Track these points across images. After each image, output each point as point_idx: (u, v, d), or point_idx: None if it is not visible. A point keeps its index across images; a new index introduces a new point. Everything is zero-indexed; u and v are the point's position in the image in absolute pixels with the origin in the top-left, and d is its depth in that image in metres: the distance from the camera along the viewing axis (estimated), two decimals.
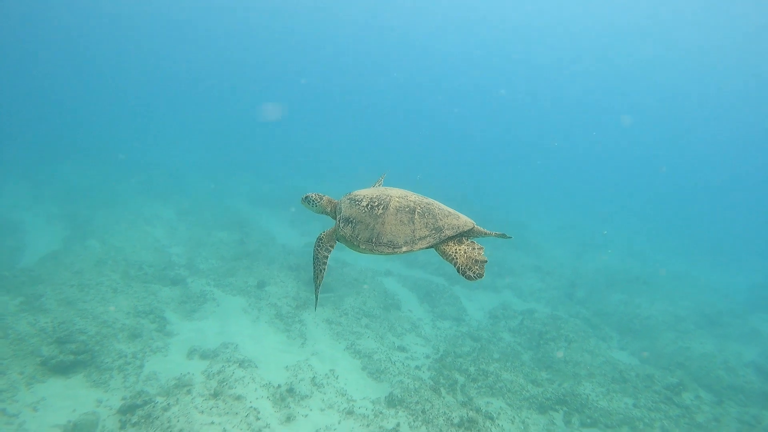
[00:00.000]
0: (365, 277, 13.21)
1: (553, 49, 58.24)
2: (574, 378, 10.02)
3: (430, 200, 3.20)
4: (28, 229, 13.46)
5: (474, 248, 2.94)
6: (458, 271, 2.85)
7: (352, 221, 3.14)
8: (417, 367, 9.61)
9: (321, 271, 3.27)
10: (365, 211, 3.09)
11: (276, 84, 73.13)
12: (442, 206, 3.17)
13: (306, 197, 3.67)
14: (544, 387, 9.53)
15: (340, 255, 14.36)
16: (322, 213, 3.70)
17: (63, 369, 7.67)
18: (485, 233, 3.15)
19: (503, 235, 3.15)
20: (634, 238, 25.73)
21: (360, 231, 3.07)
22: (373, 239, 3.01)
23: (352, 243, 3.13)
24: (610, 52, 54.63)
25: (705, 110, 59.57)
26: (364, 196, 3.20)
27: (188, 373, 8.02)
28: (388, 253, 3.01)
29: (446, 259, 2.98)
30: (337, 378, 8.63)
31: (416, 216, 3.00)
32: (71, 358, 7.80)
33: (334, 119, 67.02)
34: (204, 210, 17.63)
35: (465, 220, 3.07)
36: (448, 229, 2.98)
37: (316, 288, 3.33)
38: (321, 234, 3.38)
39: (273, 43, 65.72)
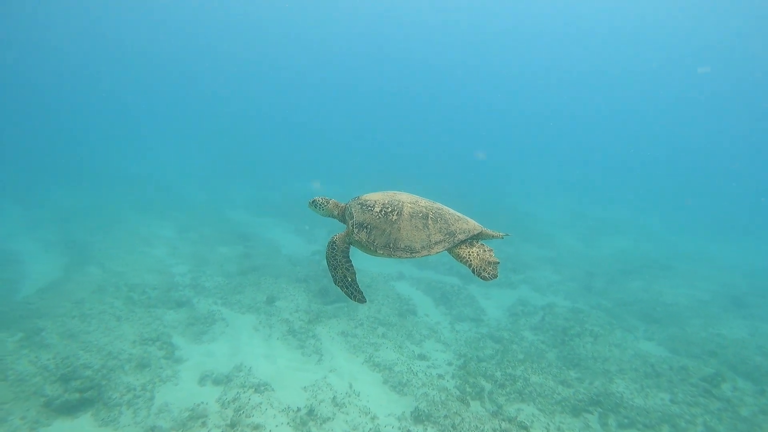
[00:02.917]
0: (378, 283, 12.76)
1: (557, 34, 57.61)
2: (605, 375, 9.57)
3: (440, 205, 3.30)
4: (25, 259, 12.99)
5: (485, 250, 3.10)
6: (473, 273, 3.00)
7: (366, 227, 3.15)
8: (440, 376, 9.15)
9: (347, 270, 3.25)
10: (380, 217, 3.13)
11: (272, 86, 72.47)
12: (451, 210, 3.28)
13: (313, 201, 3.63)
14: (575, 387, 9.08)
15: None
16: (329, 216, 3.68)
17: (69, 409, 7.21)
18: (492, 235, 3.27)
19: (507, 235, 3.35)
20: (645, 219, 25.29)
21: (376, 236, 3.10)
22: (391, 244, 3.06)
23: (369, 248, 3.15)
24: (615, 33, 53.84)
25: (716, 82, 58.52)
26: (376, 202, 3.22)
27: (202, 402, 7.57)
28: (405, 258, 3.06)
29: (460, 261, 3.10)
30: (358, 395, 8.18)
31: (429, 221, 3.09)
32: (77, 396, 7.34)
33: (333, 120, 66.38)
34: (204, 225, 17.17)
35: (474, 224, 3.20)
36: (460, 234, 3.10)
37: (347, 288, 3.25)
38: (333, 238, 3.35)
39: (268, 42, 64.97)
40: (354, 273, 3.25)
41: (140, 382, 7.99)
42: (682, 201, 33.58)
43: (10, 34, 49.94)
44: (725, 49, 48.05)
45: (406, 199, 3.24)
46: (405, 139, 52.49)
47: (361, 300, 3.22)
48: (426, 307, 12.32)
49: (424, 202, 3.23)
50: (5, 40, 50.52)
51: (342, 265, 3.25)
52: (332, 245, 3.31)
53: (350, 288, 3.23)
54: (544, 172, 40.44)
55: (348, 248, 3.31)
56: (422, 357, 9.83)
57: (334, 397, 7.96)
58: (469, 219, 3.26)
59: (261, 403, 7.52)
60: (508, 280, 14.50)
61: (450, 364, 9.71)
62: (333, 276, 3.27)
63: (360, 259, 13.39)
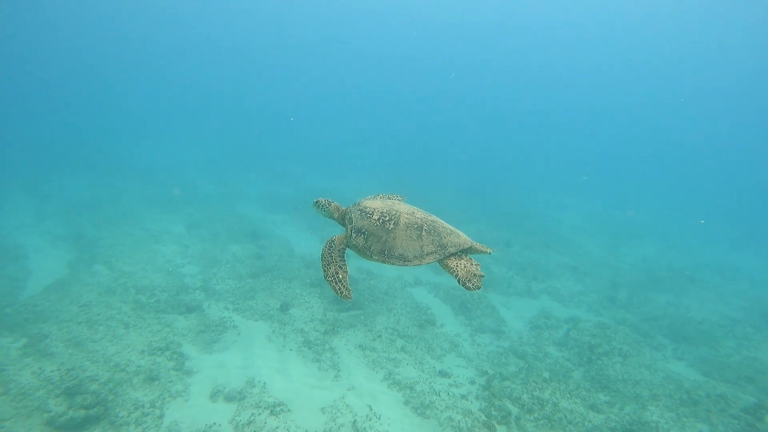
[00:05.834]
0: (395, 290, 12.25)
1: (575, 32, 56.19)
2: (636, 400, 9.03)
3: (434, 217, 3.46)
4: (31, 254, 12.52)
5: (472, 263, 3.25)
6: (459, 282, 3.13)
7: (364, 233, 3.31)
8: (463, 396, 8.66)
9: (340, 268, 3.33)
10: (377, 225, 3.28)
11: (287, 78, 71.55)
12: (445, 224, 3.43)
13: (317, 202, 3.77)
14: (606, 414, 8.56)
15: (364, 265, 13.39)
16: (330, 218, 3.79)
17: (73, 427, 6.76)
18: (481, 250, 3.40)
19: (496, 250, 3.53)
20: (669, 227, 24.51)
21: (372, 243, 3.26)
22: (386, 252, 3.23)
23: (365, 253, 3.33)
24: (646, 34, 52.23)
25: (737, 88, 56.85)
26: (375, 210, 3.37)
27: (214, 423, 7.12)
28: (398, 265, 3.23)
29: (448, 271, 3.25)
30: (379, 418, 7.69)
31: (424, 233, 3.25)
32: (82, 414, 6.89)
33: (351, 116, 65.18)
34: (215, 221, 16.64)
35: (465, 239, 3.37)
36: (451, 247, 3.26)
37: (337, 284, 3.25)
38: (333, 238, 3.51)
39: (281, 34, 64.03)
40: (346, 271, 3.34)
41: (149, 398, 7.54)
42: (707, 208, 32.40)
43: (29, 27, 49.56)
44: (756, 51, 46.59)
45: (403, 209, 3.39)
46: (430, 139, 51.29)
47: (348, 297, 3.21)
48: (445, 317, 11.80)
49: (420, 214, 3.39)
50: (24, 32, 50.18)
51: (336, 262, 3.36)
52: (331, 244, 3.46)
53: (340, 284, 3.25)
54: (565, 175, 39.51)
55: (344, 249, 3.46)
56: (444, 374, 9.34)
57: (355, 422, 7.48)
58: (460, 233, 3.41)
59: (277, 428, 7.04)
60: (529, 288, 13.94)
61: (473, 382, 9.21)
62: (325, 271, 3.33)
63: (376, 264, 12.88)
